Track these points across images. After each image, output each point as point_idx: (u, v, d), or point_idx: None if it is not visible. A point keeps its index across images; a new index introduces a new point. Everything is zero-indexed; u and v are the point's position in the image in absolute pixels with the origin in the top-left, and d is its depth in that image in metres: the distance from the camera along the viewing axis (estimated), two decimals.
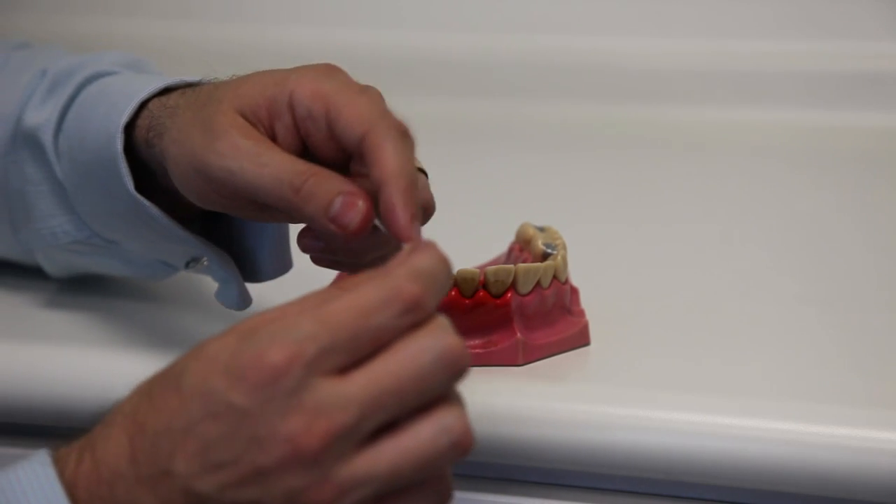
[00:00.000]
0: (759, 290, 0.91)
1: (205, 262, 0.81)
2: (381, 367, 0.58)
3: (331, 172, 0.67)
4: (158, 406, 0.59)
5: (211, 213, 0.81)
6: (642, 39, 1.37)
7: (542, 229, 0.83)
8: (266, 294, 0.80)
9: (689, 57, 1.35)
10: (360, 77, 0.75)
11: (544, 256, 0.81)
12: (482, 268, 0.78)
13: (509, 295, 0.77)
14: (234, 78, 0.74)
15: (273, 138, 0.70)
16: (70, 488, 0.60)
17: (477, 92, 1.36)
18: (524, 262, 0.81)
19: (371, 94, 0.69)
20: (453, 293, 0.77)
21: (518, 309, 0.78)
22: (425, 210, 0.71)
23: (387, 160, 0.65)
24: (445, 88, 1.35)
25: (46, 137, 0.82)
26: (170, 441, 0.58)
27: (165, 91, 0.77)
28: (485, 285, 0.77)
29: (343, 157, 0.70)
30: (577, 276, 0.84)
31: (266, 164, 0.68)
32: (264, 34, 1.42)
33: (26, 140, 0.84)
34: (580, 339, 0.81)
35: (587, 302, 0.83)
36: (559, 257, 0.80)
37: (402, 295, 0.58)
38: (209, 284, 0.87)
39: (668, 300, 0.88)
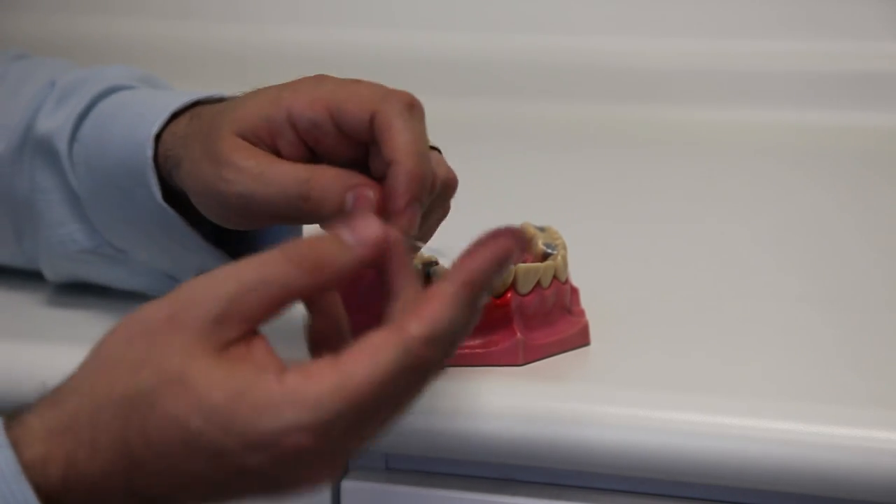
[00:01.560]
0: (760, 290, 0.91)
1: None
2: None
3: (333, 170, 0.69)
4: (157, 447, 0.58)
5: None
6: (642, 39, 1.37)
7: (542, 229, 0.83)
8: None
9: (689, 57, 1.35)
10: (360, 78, 0.75)
11: (544, 256, 0.81)
12: None
13: (509, 295, 0.77)
14: (234, 99, 0.75)
15: (278, 153, 0.71)
16: None
17: (477, 92, 1.36)
18: (524, 261, 0.81)
19: (366, 82, 0.70)
20: None
21: (518, 309, 0.78)
22: (449, 186, 0.73)
23: (395, 138, 0.67)
24: (445, 88, 1.35)
25: (61, 145, 0.82)
26: (170, 480, 0.58)
27: (176, 115, 0.78)
28: None
29: (358, 154, 0.71)
30: (577, 276, 0.83)
31: (270, 183, 0.69)
32: (264, 34, 1.42)
33: (38, 147, 0.84)
34: (580, 338, 0.81)
35: (587, 302, 0.83)
36: (559, 257, 0.80)
37: (419, 363, 0.58)
38: None
39: (668, 300, 0.88)
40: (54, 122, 0.83)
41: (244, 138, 0.71)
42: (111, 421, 0.59)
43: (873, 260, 0.97)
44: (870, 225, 1.05)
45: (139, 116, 0.78)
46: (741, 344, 0.82)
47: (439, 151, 0.76)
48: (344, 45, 1.38)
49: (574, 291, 0.83)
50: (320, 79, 0.72)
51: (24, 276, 0.90)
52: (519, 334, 0.78)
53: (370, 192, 0.67)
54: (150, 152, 0.77)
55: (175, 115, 0.78)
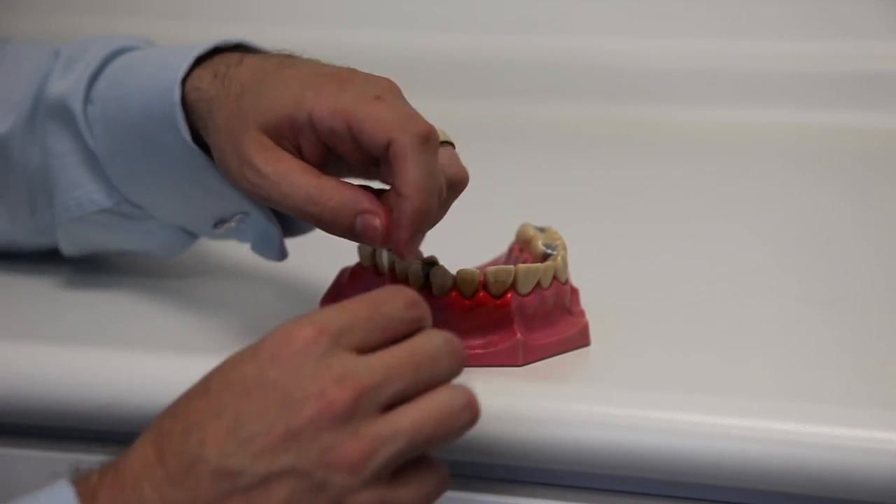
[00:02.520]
0: (759, 291, 0.91)
1: (233, 224, 0.85)
2: (397, 348, 0.63)
3: (346, 188, 0.73)
4: (185, 413, 0.61)
5: None
6: (642, 39, 1.37)
7: (542, 229, 0.83)
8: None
9: (689, 57, 1.35)
10: None
11: (544, 257, 0.80)
12: (482, 268, 0.78)
13: (509, 295, 0.77)
14: (260, 82, 0.76)
15: (299, 150, 0.75)
16: (88, 501, 0.60)
17: (477, 92, 1.36)
18: (524, 262, 0.81)
19: (388, 100, 0.73)
20: (453, 294, 0.77)
21: (518, 309, 0.78)
22: (458, 183, 0.76)
23: (408, 173, 0.71)
24: (445, 89, 1.35)
25: (76, 105, 0.84)
26: (199, 432, 0.60)
27: (196, 64, 0.81)
28: (485, 286, 0.77)
29: (371, 161, 0.74)
30: (577, 276, 0.84)
31: (287, 195, 0.73)
32: (264, 34, 1.42)
33: (50, 112, 0.86)
34: (580, 339, 0.81)
35: (587, 302, 0.83)
36: (559, 258, 0.80)
37: (404, 293, 0.64)
38: (210, 293, 0.88)
39: (668, 300, 0.88)
40: (65, 85, 0.85)
41: (268, 132, 0.74)
42: (151, 425, 0.64)
43: (873, 260, 0.97)
44: (870, 225, 1.05)
45: (160, 66, 0.81)
46: (741, 344, 0.82)
47: (453, 146, 0.78)
48: (344, 46, 1.38)
49: (574, 292, 0.83)
50: (342, 84, 0.74)
51: (26, 276, 0.91)
52: (519, 335, 0.78)
53: (377, 221, 0.72)
54: (177, 96, 0.79)
55: (196, 64, 0.80)
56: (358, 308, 0.63)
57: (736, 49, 1.35)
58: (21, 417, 0.81)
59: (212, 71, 0.79)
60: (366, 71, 0.77)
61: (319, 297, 0.84)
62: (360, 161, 0.74)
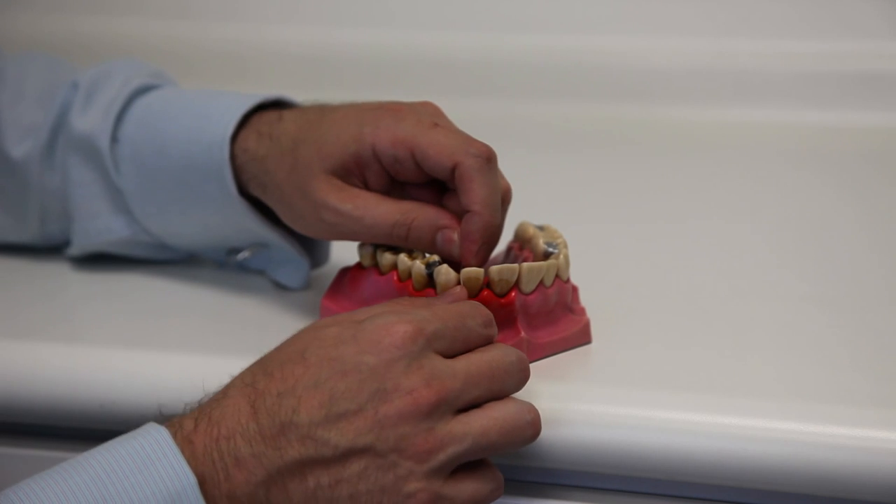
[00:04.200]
0: (760, 290, 0.90)
1: (247, 254, 0.89)
2: (477, 357, 0.70)
3: (425, 208, 0.79)
4: (281, 376, 0.67)
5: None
6: (642, 39, 1.37)
7: (541, 228, 0.83)
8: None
9: (689, 57, 1.35)
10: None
11: (546, 255, 0.80)
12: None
13: (513, 294, 0.77)
14: (314, 131, 0.81)
15: (365, 183, 0.80)
16: (186, 444, 0.66)
17: (477, 92, 1.36)
18: (524, 260, 0.81)
19: (443, 125, 0.79)
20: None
21: (522, 308, 0.78)
22: (505, 196, 0.81)
23: (475, 192, 0.77)
24: (445, 88, 1.35)
25: (102, 144, 0.88)
26: (294, 398, 0.67)
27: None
28: (489, 284, 0.77)
29: (430, 179, 0.79)
30: (577, 274, 0.84)
31: (371, 225, 0.79)
32: (264, 34, 1.42)
33: (74, 146, 0.89)
34: (582, 337, 0.81)
35: (587, 301, 0.83)
36: (561, 256, 0.80)
37: (483, 311, 0.72)
38: (210, 293, 0.88)
39: (668, 299, 0.88)
40: (89, 122, 0.88)
41: (335, 174, 0.79)
42: (241, 379, 0.69)
43: (873, 260, 0.97)
44: (870, 225, 1.05)
45: (202, 118, 0.85)
46: (741, 343, 0.82)
47: None
48: (344, 45, 1.38)
49: (574, 290, 0.83)
50: (398, 115, 0.79)
51: (25, 276, 0.90)
52: (523, 333, 0.78)
53: (455, 235, 0.78)
54: (226, 153, 0.83)
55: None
56: (448, 316, 0.70)
57: (736, 49, 1.35)
58: (21, 417, 0.81)
59: (255, 130, 0.84)
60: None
61: (319, 297, 0.84)
62: (421, 181, 0.80)
